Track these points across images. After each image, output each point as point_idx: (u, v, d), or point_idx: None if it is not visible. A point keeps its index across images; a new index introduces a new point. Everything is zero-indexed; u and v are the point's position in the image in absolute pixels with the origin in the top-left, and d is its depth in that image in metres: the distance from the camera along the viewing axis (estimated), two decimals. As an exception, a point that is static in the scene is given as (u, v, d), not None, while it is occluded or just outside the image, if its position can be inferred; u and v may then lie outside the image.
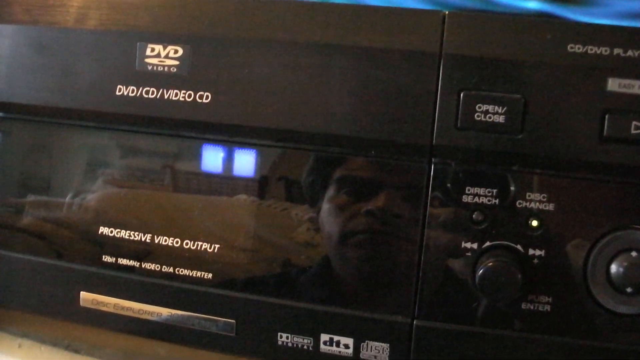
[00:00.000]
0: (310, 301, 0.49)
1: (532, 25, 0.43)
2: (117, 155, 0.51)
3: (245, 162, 0.48)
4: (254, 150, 0.48)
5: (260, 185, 0.49)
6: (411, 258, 0.46)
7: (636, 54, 0.42)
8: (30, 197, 0.53)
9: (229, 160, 0.48)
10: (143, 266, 0.51)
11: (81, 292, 0.52)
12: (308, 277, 0.49)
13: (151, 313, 0.50)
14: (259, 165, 0.48)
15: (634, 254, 0.43)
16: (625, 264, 0.43)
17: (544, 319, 0.45)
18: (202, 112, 0.47)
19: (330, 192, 0.48)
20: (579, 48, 0.42)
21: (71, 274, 0.52)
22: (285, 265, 0.49)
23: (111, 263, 0.51)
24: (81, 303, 0.52)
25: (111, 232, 0.50)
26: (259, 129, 0.47)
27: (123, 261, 0.51)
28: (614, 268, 0.43)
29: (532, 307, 0.45)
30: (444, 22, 0.44)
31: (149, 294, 0.51)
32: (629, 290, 0.43)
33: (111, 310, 0.51)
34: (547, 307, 0.45)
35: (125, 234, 0.50)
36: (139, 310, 0.50)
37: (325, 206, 0.48)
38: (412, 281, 0.46)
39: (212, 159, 0.49)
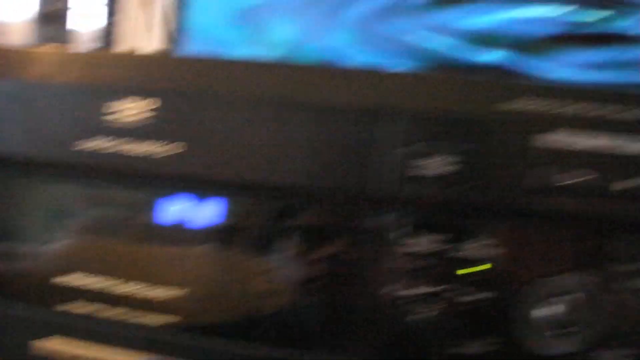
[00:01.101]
0: (272, 347, 0.51)
1: (462, 83, 0.46)
2: (84, 207, 0.53)
3: (205, 213, 0.51)
4: (216, 201, 0.50)
5: (221, 235, 0.51)
6: (363, 302, 0.48)
7: (559, 109, 0.45)
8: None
9: (188, 211, 0.51)
10: (104, 314, 0.52)
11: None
12: (269, 324, 0.51)
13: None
14: (219, 215, 0.51)
15: (565, 297, 0.46)
16: (557, 307, 0.46)
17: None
18: (164, 165, 0.49)
19: (287, 241, 0.50)
20: (506, 105, 0.45)
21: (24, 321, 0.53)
22: (246, 314, 0.51)
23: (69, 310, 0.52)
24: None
25: (71, 280, 0.52)
26: (219, 181, 0.49)
27: (84, 308, 0.52)
28: (545, 312, 0.46)
29: (465, 352, 0.47)
30: (380, 80, 0.46)
31: (111, 340, 0.52)
32: (561, 332, 0.45)
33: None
34: (478, 350, 0.47)
35: (87, 283, 0.52)
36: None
37: (283, 255, 0.50)
38: (362, 324, 0.48)
39: (172, 209, 0.51)
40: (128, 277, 0.52)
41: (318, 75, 0.49)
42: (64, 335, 0.54)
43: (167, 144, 0.50)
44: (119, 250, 0.53)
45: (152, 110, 0.50)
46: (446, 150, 0.46)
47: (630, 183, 0.45)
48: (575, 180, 0.45)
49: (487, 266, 0.47)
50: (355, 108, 0.47)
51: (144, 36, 1.09)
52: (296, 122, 0.48)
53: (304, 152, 0.48)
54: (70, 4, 1.16)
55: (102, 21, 1.14)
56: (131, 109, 0.51)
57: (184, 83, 0.51)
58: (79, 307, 0.54)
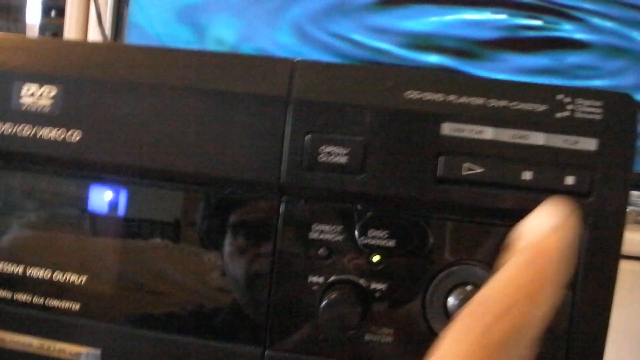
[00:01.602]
0: (226, 342, 0.51)
1: (373, 72, 0.46)
2: (18, 196, 0.53)
3: (143, 203, 0.52)
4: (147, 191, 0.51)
5: (174, 229, 0.51)
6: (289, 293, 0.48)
7: (468, 100, 0.45)
8: None
9: (125, 201, 0.51)
10: (37, 301, 0.53)
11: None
12: (221, 319, 0.51)
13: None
14: (150, 206, 0.52)
15: (469, 287, 0.46)
16: (461, 296, 0.46)
17: (386, 349, 0.47)
18: (72, 150, 0.49)
19: (242, 235, 0.50)
20: (415, 94, 0.45)
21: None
22: (199, 309, 0.51)
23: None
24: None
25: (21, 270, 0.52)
26: (123, 166, 0.49)
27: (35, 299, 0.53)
28: (450, 301, 0.46)
29: (374, 338, 0.47)
30: (292, 69, 0.47)
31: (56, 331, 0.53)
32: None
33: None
34: (389, 339, 0.47)
35: (38, 273, 0.52)
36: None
37: (227, 249, 0.50)
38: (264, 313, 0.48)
39: (111, 200, 0.51)
40: (75, 270, 0.52)
41: (222, 62, 0.49)
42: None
43: (69, 130, 0.49)
44: (64, 242, 0.52)
45: (54, 96, 0.49)
46: (353, 139, 0.46)
47: (538, 174, 0.45)
48: (483, 170, 0.45)
49: (393, 255, 0.47)
50: (266, 95, 0.47)
51: (88, 31, 1.09)
52: (202, 109, 0.48)
53: (219, 141, 0.47)
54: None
55: (49, 15, 1.13)
56: (35, 94, 0.50)
57: (85, 69, 0.50)
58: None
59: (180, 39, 1.00)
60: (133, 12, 1.03)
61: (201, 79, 0.48)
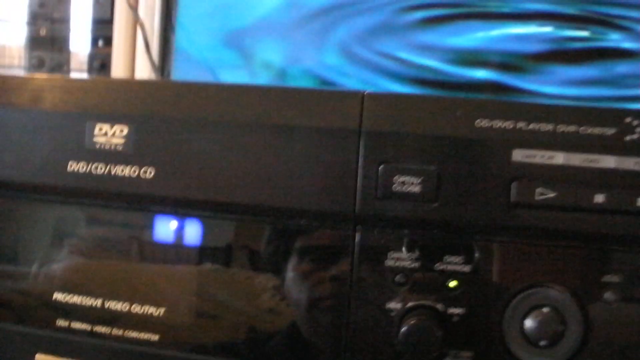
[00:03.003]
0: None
1: (442, 102, 0.47)
2: (81, 227, 0.55)
3: (206, 233, 0.53)
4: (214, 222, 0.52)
5: (225, 254, 0.53)
6: (361, 319, 0.49)
7: (537, 127, 0.46)
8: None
9: (193, 231, 0.52)
10: (113, 332, 0.54)
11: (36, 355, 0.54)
12: (276, 343, 0.52)
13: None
14: (220, 235, 0.53)
15: (545, 309, 0.47)
16: (538, 319, 0.47)
17: (466, 374, 0.48)
18: (146, 186, 0.50)
19: (294, 260, 0.51)
20: (485, 123, 0.46)
21: (28, 337, 0.55)
22: (250, 332, 0.52)
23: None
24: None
25: (80, 300, 0.53)
26: (199, 202, 0.50)
27: (90, 327, 0.54)
28: (528, 323, 0.47)
29: (449, 364, 0.48)
30: (362, 101, 0.48)
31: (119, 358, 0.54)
32: (542, 343, 0.46)
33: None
34: (463, 362, 0.48)
35: (92, 302, 0.53)
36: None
37: (290, 274, 0.51)
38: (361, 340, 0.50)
39: (178, 230, 0.52)
40: (132, 299, 0.53)
41: (292, 96, 0.50)
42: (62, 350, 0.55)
43: (142, 167, 0.51)
44: (122, 271, 0.54)
45: (126, 135, 0.51)
46: (426, 168, 0.46)
47: (610, 197, 0.45)
48: (555, 194, 0.45)
49: (470, 279, 0.48)
50: (338, 128, 0.48)
51: (135, 59, 1.10)
52: (275, 144, 0.49)
53: (291, 175, 0.49)
54: (69, 28, 1.17)
55: (96, 44, 1.15)
56: (108, 133, 0.51)
57: (154, 107, 0.51)
58: (77, 325, 0.54)
59: (227, 63, 1.01)
60: (179, 39, 1.05)
61: (273, 114, 0.49)
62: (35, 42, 1.18)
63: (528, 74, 0.93)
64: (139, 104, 0.52)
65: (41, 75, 0.54)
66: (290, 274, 0.51)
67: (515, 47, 0.94)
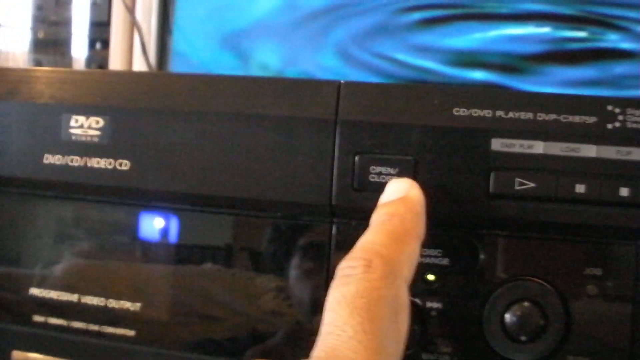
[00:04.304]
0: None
1: (419, 91, 0.46)
2: (60, 222, 0.54)
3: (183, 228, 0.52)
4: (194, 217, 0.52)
5: (226, 253, 0.52)
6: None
7: (516, 115, 0.45)
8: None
9: (172, 227, 0.51)
10: (92, 329, 0.53)
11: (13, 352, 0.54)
12: (278, 342, 0.50)
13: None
14: (197, 231, 0.52)
15: (526, 303, 0.45)
16: (518, 313, 0.45)
17: (444, 369, 0.47)
18: (122, 179, 0.49)
19: (296, 259, 0.50)
20: (463, 111, 0.45)
21: (4, 333, 0.54)
22: (252, 333, 0.51)
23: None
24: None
25: (57, 295, 0.53)
26: (175, 194, 0.49)
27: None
28: (508, 318, 0.46)
29: (432, 358, 0.47)
30: (339, 91, 0.47)
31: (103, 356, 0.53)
32: (523, 338, 0.45)
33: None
34: (447, 357, 0.47)
35: (93, 301, 0.53)
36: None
37: (293, 273, 0.50)
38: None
39: (169, 228, 0.52)
40: (129, 298, 0.53)
41: (268, 86, 0.49)
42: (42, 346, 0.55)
43: (122, 159, 0.50)
44: (120, 269, 0.54)
45: (106, 126, 0.50)
46: (402, 158, 0.46)
47: (591, 187, 0.44)
48: (535, 185, 0.44)
49: (448, 273, 0.47)
50: (313, 118, 0.47)
51: (133, 61, 1.10)
52: (250, 134, 0.48)
53: (266, 165, 0.48)
54: (69, 31, 1.17)
55: (94, 47, 1.14)
56: (84, 125, 0.51)
57: (131, 99, 0.51)
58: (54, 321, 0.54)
59: (224, 65, 1.01)
60: (177, 41, 1.04)
61: (247, 104, 0.48)
62: (35, 45, 1.17)
63: (526, 75, 0.92)
64: (115, 96, 0.51)
65: (17, 68, 0.53)
66: (280, 271, 0.49)
67: (513, 48, 0.93)
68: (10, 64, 1.30)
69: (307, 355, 0.37)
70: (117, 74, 0.55)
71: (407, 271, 0.41)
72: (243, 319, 0.50)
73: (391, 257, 0.40)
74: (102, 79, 0.52)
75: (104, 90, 0.51)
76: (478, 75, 0.95)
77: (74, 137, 0.51)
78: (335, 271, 0.40)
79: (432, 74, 0.96)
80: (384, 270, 0.39)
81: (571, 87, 0.92)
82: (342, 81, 0.47)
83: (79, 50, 1.18)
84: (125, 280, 0.52)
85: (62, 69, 0.55)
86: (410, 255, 0.42)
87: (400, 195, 0.44)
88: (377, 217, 0.43)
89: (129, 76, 0.52)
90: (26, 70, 0.53)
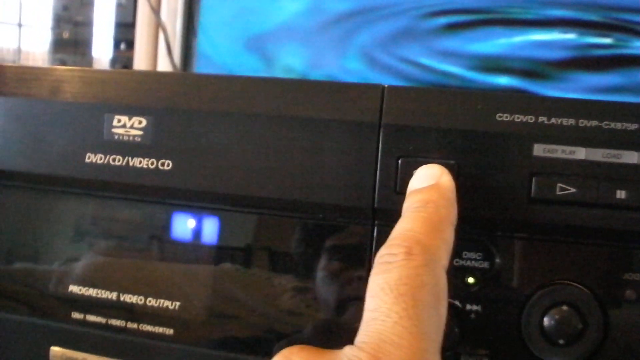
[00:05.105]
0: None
1: (463, 96, 0.47)
2: (99, 222, 0.55)
3: (223, 230, 0.53)
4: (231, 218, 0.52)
5: (244, 253, 0.52)
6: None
7: (558, 121, 0.45)
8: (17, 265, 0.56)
9: (211, 228, 0.52)
10: (131, 326, 0.54)
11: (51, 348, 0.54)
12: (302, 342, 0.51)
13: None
14: (236, 233, 0.53)
15: (564, 307, 0.46)
16: (557, 317, 0.46)
17: (483, 371, 0.47)
18: (164, 178, 0.50)
19: (323, 260, 0.50)
20: (506, 117, 0.46)
21: (43, 330, 0.54)
22: (269, 332, 0.52)
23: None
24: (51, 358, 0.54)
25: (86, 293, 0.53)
26: (217, 195, 0.50)
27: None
28: (546, 321, 0.46)
29: (470, 359, 0.47)
30: (383, 95, 0.47)
31: (140, 354, 0.54)
32: (561, 342, 0.46)
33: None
34: (485, 359, 0.47)
35: (132, 299, 0.54)
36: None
37: (320, 274, 0.50)
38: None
39: (196, 228, 0.52)
40: (150, 295, 0.53)
41: (313, 89, 0.49)
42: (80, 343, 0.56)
43: (165, 159, 0.50)
44: (141, 268, 0.54)
45: (148, 126, 0.51)
46: (445, 162, 0.46)
47: (632, 193, 0.45)
48: (576, 190, 0.45)
49: (488, 276, 0.47)
50: (357, 122, 0.47)
51: (157, 62, 1.10)
52: (293, 136, 0.48)
53: (309, 168, 0.48)
54: (92, 32, 1.18)
55: (118, 47, 1.15)
56: (129, 125, 0.51)
57: (173, 100, 0.51)
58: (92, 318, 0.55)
59: (248, 67, 1.01)
60: (201, 42, 1.05)
61: (292, 106, 0.49)
62: (57, 45, 1.18)
63: (551, 81, 0.93)
64: (158, 96, 0.51)
65: (60, 67, 0.54)
66: (316, 273, 0.50)
67: (538, 54, 0.93)
68: (30, 64, 1.31)
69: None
70: (160, 74, 0.56)
71: (444, 258, 0.41)
72: (272, 318, 0.50)
73: (430, 244, 0.41)
74: (145, 79, 0.52)
75: (147, 91, 0.52)
76: (502, 80, 0.95)
77: (116, 137, 0.51)
78: (375, 259, 0.41)
79: (457, 79, 0.97)
80: (425, 258, 0.40)
81: (595, 93, 0.92)
82: (386, 85, 0.48)
83: (100, 50, 1.19)
84: (163, 279, 0.52)
85: (104, 69, 0.56)
86: (447, 242, 0.42)
87: (432, 182, 0.45)
88: (411, 204, 0.44)
89: (172, 77, 0.53)
90: (69, 70, 0.54)
